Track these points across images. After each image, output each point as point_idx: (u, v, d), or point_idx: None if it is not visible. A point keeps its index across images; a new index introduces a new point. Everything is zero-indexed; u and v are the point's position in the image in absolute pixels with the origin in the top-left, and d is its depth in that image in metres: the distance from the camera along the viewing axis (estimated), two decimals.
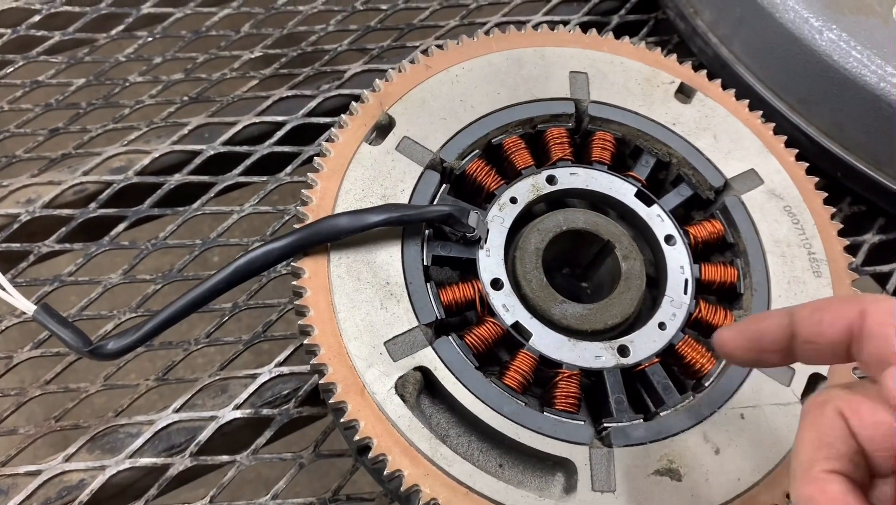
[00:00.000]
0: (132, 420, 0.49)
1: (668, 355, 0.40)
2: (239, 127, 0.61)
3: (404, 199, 0.40)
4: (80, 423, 0.49)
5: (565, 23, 0.69)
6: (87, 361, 0.51)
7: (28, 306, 0.40)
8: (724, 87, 0.51)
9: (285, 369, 0.50)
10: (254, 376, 0.50)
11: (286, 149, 0.61)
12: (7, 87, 0.63)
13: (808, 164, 0.46)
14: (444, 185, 0.42)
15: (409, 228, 0.40)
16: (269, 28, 0.68)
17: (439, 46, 0.44)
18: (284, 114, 0.62)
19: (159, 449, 0.48)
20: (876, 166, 0.57)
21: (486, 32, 0.47)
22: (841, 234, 0.48)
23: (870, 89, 0.54)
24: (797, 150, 0.46)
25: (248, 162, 0.60)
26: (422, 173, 0.41)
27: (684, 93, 0.46)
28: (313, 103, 0.63)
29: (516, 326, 0.39)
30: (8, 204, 0.56)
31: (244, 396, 0.49)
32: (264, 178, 0.59)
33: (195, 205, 0.57)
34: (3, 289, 0.40)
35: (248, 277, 0.39)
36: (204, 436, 0.48)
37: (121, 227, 0.56)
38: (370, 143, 0.41)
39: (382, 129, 0.42)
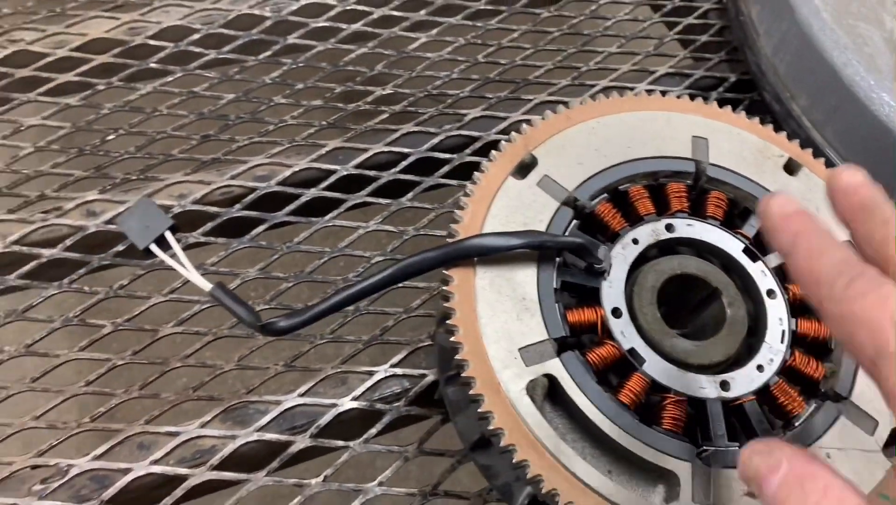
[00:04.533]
0: (262, 398, 0.54)
1: (764, 395, 0.44)
2: (369, 154, 0.68)
3: (542, 228, 0.46)
4: (214, 395, 0.55)
5: (665, 93, 0.75)
6: (224, 342, 0.57)
7: (205, 285, 0.46)
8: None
9: (399, 371, 0.56)
10: (370, 373, 0.56)
11: (408, 177, 0.67)
12: (166, 94, 0.70)
13: None
14: (574, 221, 0.47)
15: (544, 254, 0.45)
16: (400, 70, 0.75)
17: (580, 102, 0.50)
18: (409, 146, 0.69)
19: (283, 427, 0.53)
20: None
21: (617, 93, 0.53)
22: None
23: None
24: None
25: (374, 185, 0.66)
26: (558, 208, 0.47)
27: (791, 167, 0.51)
28: (435, 140, 0.69)
29: (632, 351, 0.44)
30: (163, 196, 0.63)
31: (361, 389, 0.55)
32: (388, 201, 0.65)
33: (327, 217, 0.64)
34: (185, 268, 0.46)
35: (406, 279, 0.44)
36: (324, 420, 0.53)
37: (260, 228, 0.63)
38: (516, 178, 0.47)
39: (526, 166, 0.48)
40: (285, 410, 0.54)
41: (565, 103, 0.73)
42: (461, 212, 0.46)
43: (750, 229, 0.49)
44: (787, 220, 0.32)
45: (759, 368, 0.45)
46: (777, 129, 0.54)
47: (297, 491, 0.51)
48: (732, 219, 0.51)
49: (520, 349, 0.42)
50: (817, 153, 0.67)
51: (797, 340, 0.47)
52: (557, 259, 0.46)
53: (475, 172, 0.47)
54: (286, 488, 0.51)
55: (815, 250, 0.31)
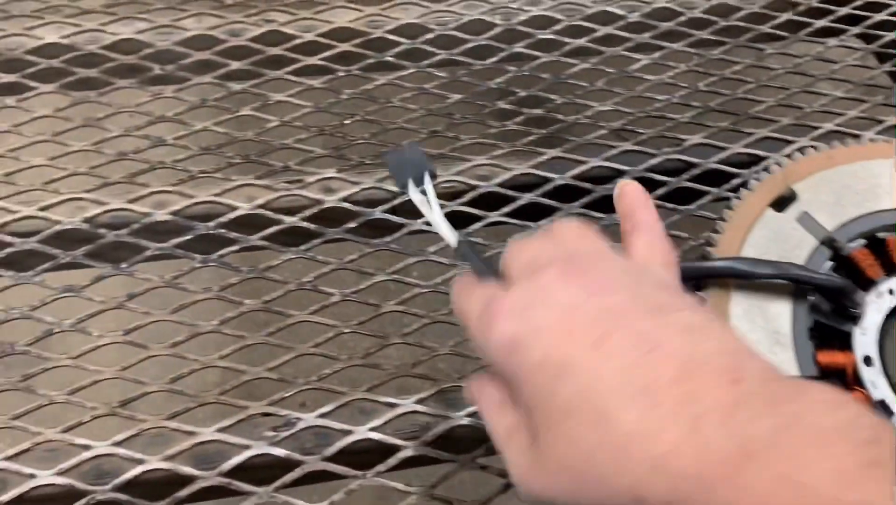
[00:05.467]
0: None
1: None
2: (587, 167, 0.69)
3: (799, 263, 0.46)
4: (429, 374, 0.57)
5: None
6: (439, 326, 0.60)
7: (452, 237, 0.46)
8: None
9: None
10: None
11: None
12: (399, 87, 0.74)
13: None
14: (830, 263, 0.47)
15: (799, 291, 0.45)
16: (620, 88, 0.76)
17: (841, 142, 0.49)
18: (625, 164, 0.70)
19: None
20: None
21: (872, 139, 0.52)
22: None
23: None
24: None
25: (587, 198, 0.67)
26: (816, 247, 0.47)
27: None
28: (654, 161, 0.70)
29: (882, 403, 0.43)
30: (389, 183, 0.66)
31: None
32: (602, 214, 0.66)
33: (542, 221, 0.66)
34: (435, 215, 0.46)
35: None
36: None
37: (478, 224, 0.65)
38: (775, 210, 0.47)
39: (785, 200, 0.48)
40: None
41: (788, 141, 0.73)
42: (717, 236, 0.46)
43: None
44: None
45: None
46: None
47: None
48: None
49: None
50: None
51: None
52: (810, 298, 0.45)
53: (732, 199, 0.48)
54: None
55: None
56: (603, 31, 0.80)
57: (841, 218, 0.48)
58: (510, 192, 0.67)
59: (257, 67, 0.74)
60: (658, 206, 0.67)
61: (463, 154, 0.70)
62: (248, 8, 0.78)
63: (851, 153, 0.50)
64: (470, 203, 0.66)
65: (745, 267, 0.44)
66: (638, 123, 0.73)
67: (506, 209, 0.66)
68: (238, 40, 0.75)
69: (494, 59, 0.77)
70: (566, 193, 0.68)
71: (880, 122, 0.75)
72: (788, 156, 0.51)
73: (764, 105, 0.76)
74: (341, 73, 0.74)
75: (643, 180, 0.69)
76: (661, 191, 0.68)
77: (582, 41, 0.79)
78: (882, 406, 0.43)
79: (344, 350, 0.58)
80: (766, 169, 0.50)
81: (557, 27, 0.80)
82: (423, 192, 0.48)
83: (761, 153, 0.70)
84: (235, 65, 0.74)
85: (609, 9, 0.82)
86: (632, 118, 0.74)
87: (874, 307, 0.46)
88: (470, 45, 0.78)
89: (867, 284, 0.47)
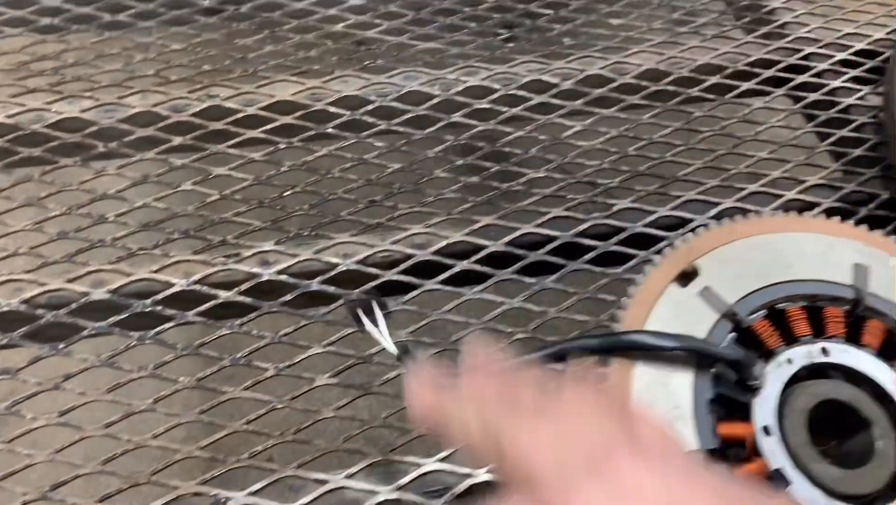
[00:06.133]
0: (403, 459, 0.58)
1: None
2: (519, 233, 0.71)
3: (701, 337, 0.48)
4: (362, 449, 0.58)
5: (815, 205, 0.76)
6: (374, 398, 0.61)
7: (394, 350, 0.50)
8: None
9: None
10: None
11: (553, 259, 0.70)
12: (339, 158, 0.76)
13: None
14: (731, 335, 0.49)
15: (701, 364, 0.47)
16: (553, 155, 0.79)
17: (744, 216, 0.52)
18: (557, 229, 0.72)
19: (420, 490, 0.57)
20: None
21: (785, 210, 0.55)
22: None
23: None
24: None
25: (520, 264, 0.69)
26: (717, 320, 0.49)
27: None
28: (583, 226, 0.72)
29: (780, 472, 0.45)
30: (330, 254, 0.68)
31: None
32: (533, 279, 0.68)
33: (476, 288, 0.68)
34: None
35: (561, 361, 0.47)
36: (458, 490, 0.56)
37: (414, 293, 0.67)
38: (678, 286, 0.49)
39: (687, 275, 0.50)
40: (424, 473, 0.57)
41: (714, 203, 0.75)
42: (622, 312, 0.48)
43: None
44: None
45: None
46: None
47: None
48: (890, 350, 0.51)
49: None
50: None
51: None
52: (712, 370, 0.47)
53: (636, 276, 0.50)
54: None
55: None
56: (538, 98, 0.83)
57: (742, 291, 0.50)
58: (446, 260, 0.69)
59: (199, 142, 0.76)
60: (586, 271, 0.70)
61: (400, 223, 0.72)
62: (193, 83, 0.81)
63: (752, 227, 0.53)
64: (406, 272, 0.68)
65: (647, 339, 0.46)
66: (570, 189, 0.76)
67: (441, 277, 0.68)
68: (181, 116, 0.77)
69: (433, 128, 0.80)
70: (500, 260, 0.70)
71: (802, 182, 0.78)
72: (693, 231, 0.53)
73: (691, 168, 0.79)
74: (282, 146, 0.77)
75: (573, 245, 0.72)
76: (590, 255, 0.70)
77: (517, 109, 0.82)
78: (779, 475, 0.45)
79: (276, 426, 0.59)
80: (670, 245, 0.52)
81: (494, 96, 0.83)
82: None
83: (687, 215, 0.73)
84: (178, 140, 0.76)
85: (543, 77, 0.85)
86: (563, 184, 0.76)
87: (773, 377, 0.48)
88: (409, 115, 0.80)
89: (768, 354, 0.49)
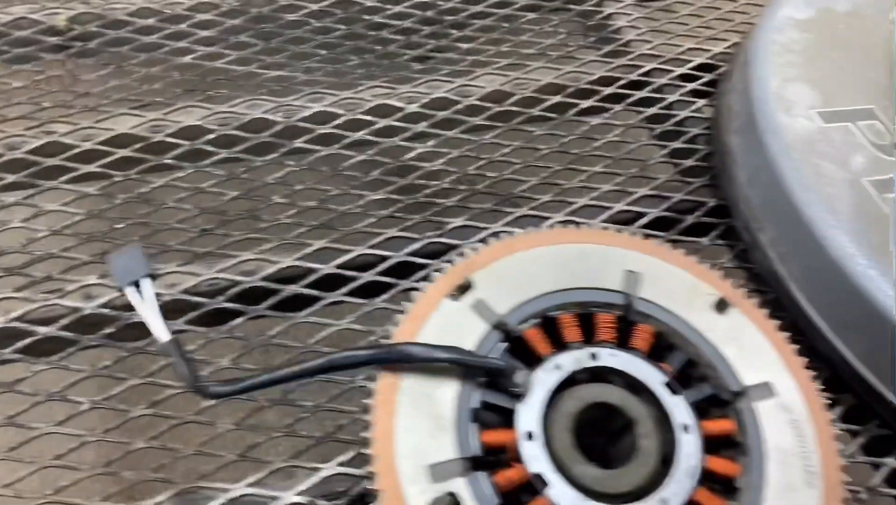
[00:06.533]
0: (212, 485, 0.58)
1: None
2: (353, 255, 0.73)
3: (469, 348, 0.49)
4: (170, 478, 0.59)
5: (643, 215, 0.78)
6: (188, 428, 0.62)
7: (164, 335, 0.50)
8: (777, 302, 0.58)
9: (344, 470, 0.59)
10: (316, 469, 0.59)
11: (386, 279, 0.71)
12: (175, 189, 0.77)
13: (824, 385, 0.53)
14: (503, 344, 0.51)
15: (469, 373, 0.48)
16: (394, 177, 0.80)
17: (524, 230, 0.54)
18: (391, 250, 0.74)
19: None
20: None
21: (561, 223, 0.57)
22: (865, 453, 0.56)
23: None
24: (815, 372, 0.53)
25: (353, 285, 0.71)
26: (488, 331, 0.50)
27: (721, 306, 0.54)
28: (416, 245, 0.74)
29: (539, 476, 0.47)
30: (157, 286, 0.68)
31: (307, 484, 0.58)
32: (363, 300, 0.70)
33: (303, 313, 0.68)
34: (152, 315, 0.50)
35: (331, 371, 0.48)
36: None
37: (239, 320, 0.68)
38: (451, 299, 0.51)
39: (463, 289, 0.52)
40: (232, 498, 0.57)
41: (546, 218, 0.78)
42: (395, 328, 0.50)
43: (674, 363, 0.52)
44: None
45: (664, 501, 0.47)
46: (744, 258, 0.57)
47: None
48: (659, 352, 0.53)
49: (429, 466, 0.45)
50: (779, 286, 0.69)
51: (706, 476, 0.48)
52: (484, 379, 0.49)
53: (413, 292, 0.51)
54: None
55: None
56: (382, 122, 0.85)
57: (515, 301, 0.52)
58: (274, 286, 0.70)
59: (33, 179, 0.75)
60: (414, 290, 0.71)
61: (232, 250, 0.73)
62: (31, 120, 0.80)
63: (531, 240, 0.55)
64: (233, 299, 0.69)
65: (409, 351, 0.47)
66: (407, 210, 0.78)
67: (269, 302, 0.69)
68: (16, 153, 0.77)
69: (275, 154, 0.81)
70: (331, 282, 0.71)
71: (630, 193, 0.81)
72: (475, 248, 0.55)
73: (527, 185, 0.81)
74: (118, 178, 0.77)
75: (406, 264, 0.73)
76: (421, 273, 0.72)
77: (360, 134, 0.84)
78: (539, 479, 0.46)
79: (86, 460, 0.59)
80: (449, 261, 0.53)
81: (338, 121, 0.84)
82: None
83: (519, 231, 0.75)
84: (11, 178, 0.75)
85: (389, 101, 0.87)
86: (401, 205, 0.78)
87: (541, 384, 0.49)
88: (251, 142, 0.81)
89: (539, 361, 0.51)
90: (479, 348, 0.50)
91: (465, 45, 0.96)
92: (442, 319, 0.50)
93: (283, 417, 0.62)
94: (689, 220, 0.79)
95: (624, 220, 0.79)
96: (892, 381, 0.63)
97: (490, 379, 0.50)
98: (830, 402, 0.57)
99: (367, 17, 0.97)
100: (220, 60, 0.90)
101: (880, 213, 0.67)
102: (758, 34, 0.83)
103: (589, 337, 0.52)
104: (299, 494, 0.58)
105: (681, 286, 0.54)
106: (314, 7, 0.97)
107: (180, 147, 0.80)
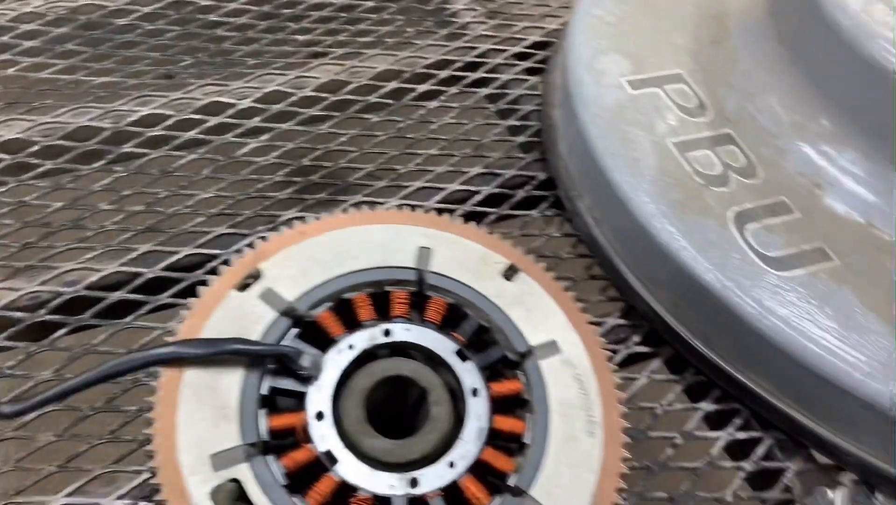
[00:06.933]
0: (30, 499, 0.57)
1: (452, 490, 0.48)
2: (178, 256, 0.72)
3: (256, 338, 0.50)
4: None
5: (476, 193, 0.80)
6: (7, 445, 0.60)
7: None
8: (601, 269, 0.61)
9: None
10: (138, 473, 0.59)
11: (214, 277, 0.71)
12: None
13: (643, 339, 0.56)
14: (294, 330, 0.51)
15: (254, 362, 0.49)
16: (225, 174, 0.80)
17: (317, 217, 0.55)
18: (221, 248, 0.73)
19: None
20: (706, 345, 0.66)
21: (357, 206, 0.58)
22: (684, 399, 0.59)
23: (699, 281, 0.63)
24: (597, 327, 0.56)
25: (180, 286, 0.70)
26: (276, 318, 0.51)
27: (510, 272, 0.56)
28: (245, 242, 0.74)
29: (328, 453, 0.47)
30: None
31: (128, 487, 0.58)
32: (186, 301, 0.69)
33: (128, 318, 0.68)
34: None
35: (113, 378, 0.48)
36: None
37: (62, 331, 0.67)
38: (238, 291, 0.51)
39: (251, 279, 0.52)
40: None
41: (381, 203, 0.79)
42: (179, 326, 0.50)
43: (466, 331, 0.53)
44: None
45: (451, 464, 0.48)
46: (567, 224, 0.59)
47: None
48: (453, 322, 0.55)
49: (211, 455, 0.46)
50: (597, 249, 0.72)
51: (495, 436, 0.50)
52: (272, 366, 0.49)
53: (199, 287, 0.52)
54: None
55: None
56: (214, 121, 0.84)
57: (305, 286, 0.52)
58: (98, 294, 0.69)
59: None
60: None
61: (55, 262, 0.71)
62: None
63: (322, 226, 0.55)
64: (56, 310, 0.68)
65: (178, 351, 0.48)
66: (239, 206, 0.77)
67: (93, 310, 0.68)
68: None
69: (102, 161, 0.80)
70: (156, 286, 0.71)
71: (464, 172, 0.83)
72: (263, 237, 0.55)
73: (363, 171, 0.82)
74: None
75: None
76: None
77: (191, 134, 0.83)
78: (328, 456, 0.47)
79: None
80: (238, 251, 0.54)
81: (167, 123, 0.83)
82: None
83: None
84: None
85: (221, 99, 0.86)
86: (232, 202, 0.78)
87: (333, 364, 0.50)
88: (77, 151, 0.80)
89: (333, 343, 0.52)
90: (266, 336, 0.50)
91: (301, 38, 0.96)
92: (228, 311, 0.51)
93: (104, 425, 0.62)
94: (521, 194, 0.81)
95: (458, 199, 0.81)
96: (695, 329, 0.66)
97: (281, 365, 0.50)
98: (614, 353, 0.61)
99: (201, 16, 0.96)
100: (46, 70, 0.87)
101: (682, 171, 0.70)
102: (578, 7, 0.86)
103: (386, 315, 0.54)
104: (119, 497, 0.57)
105: (472, 257, 0.56)
106: (146, 10, 0.95)
107: (1, 162, 0.78)
